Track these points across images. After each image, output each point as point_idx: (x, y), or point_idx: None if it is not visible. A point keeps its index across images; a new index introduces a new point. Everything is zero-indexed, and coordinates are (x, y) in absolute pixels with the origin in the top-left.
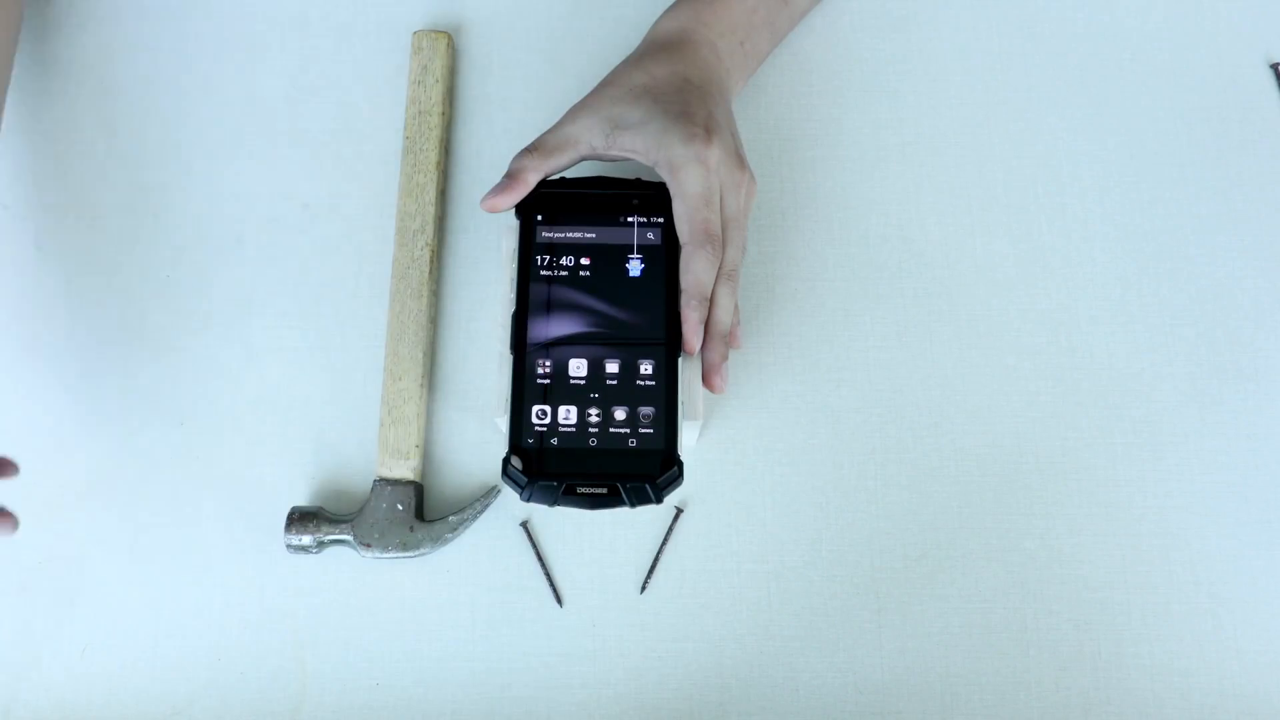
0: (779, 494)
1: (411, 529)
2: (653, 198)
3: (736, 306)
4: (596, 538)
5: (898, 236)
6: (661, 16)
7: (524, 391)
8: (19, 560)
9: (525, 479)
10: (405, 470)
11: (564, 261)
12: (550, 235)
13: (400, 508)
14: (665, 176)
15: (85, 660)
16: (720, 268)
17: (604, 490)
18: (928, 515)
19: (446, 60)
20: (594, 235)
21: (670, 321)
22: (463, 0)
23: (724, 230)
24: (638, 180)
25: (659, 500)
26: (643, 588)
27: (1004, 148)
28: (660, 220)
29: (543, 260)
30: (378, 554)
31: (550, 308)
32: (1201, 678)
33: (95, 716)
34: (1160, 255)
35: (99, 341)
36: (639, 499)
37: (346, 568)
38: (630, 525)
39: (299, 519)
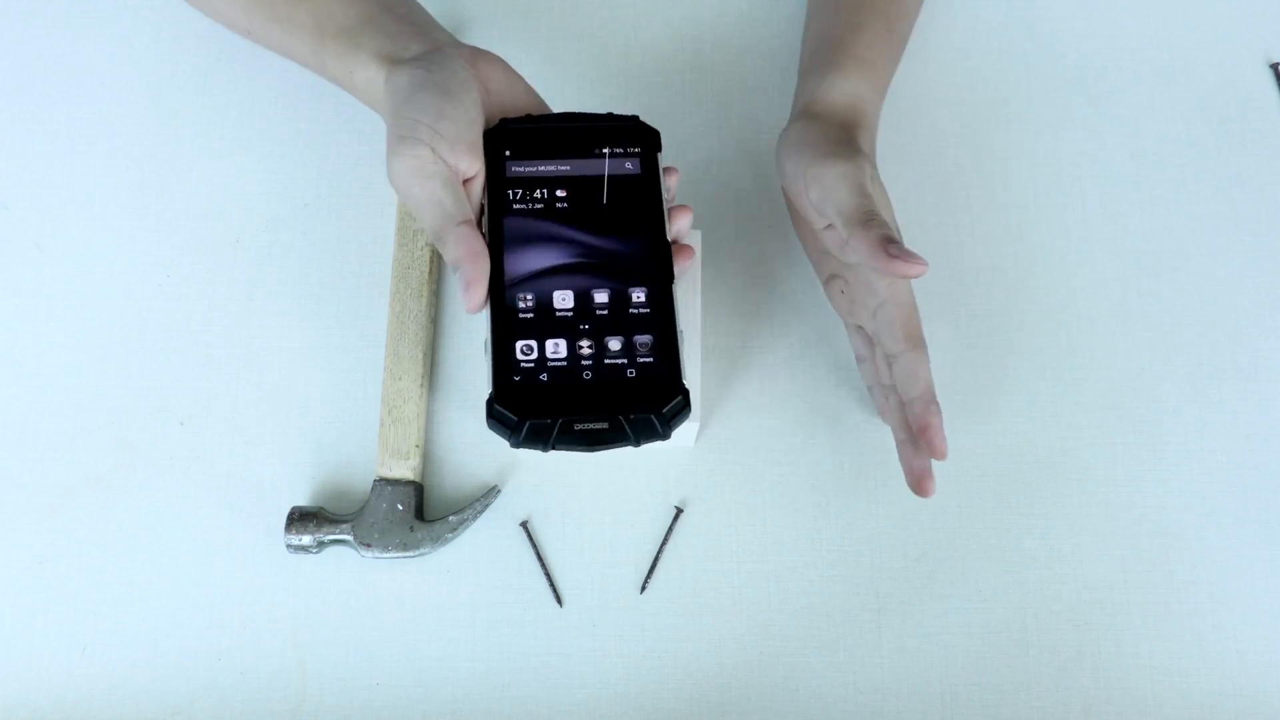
0: (779, 494)
1: (411, 529)
2: (629, 129)
3: (930, 386)
4: (596, 538)
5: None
6: (827, 74)
7: (506, 328)
8: (19, 560)
9: (515, 418)
10: (405, 470)
11: (538, 195)
12: (521, 170)
13: (400, 508)
14: (809, 180)
15: (85, 660)
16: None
17: (605, 425)
18: (928, 515)
19: None
20: (568, 168)
21: (660, 248)
22: (463, 0)
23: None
24: (609, 114)
25: (666, 434)
26: (643, 588)
27: (1004, 148)
28: (636, 150)
29: (515, 194)
30: (378, 554)
31: (528, 241)
32: (1201, 678)
33: (95, 716)
34: (1160, 255)
35: (99, 341)
36: (645, 434)
37: (346, 568)
38: (630, 525)
39: (299, 519)
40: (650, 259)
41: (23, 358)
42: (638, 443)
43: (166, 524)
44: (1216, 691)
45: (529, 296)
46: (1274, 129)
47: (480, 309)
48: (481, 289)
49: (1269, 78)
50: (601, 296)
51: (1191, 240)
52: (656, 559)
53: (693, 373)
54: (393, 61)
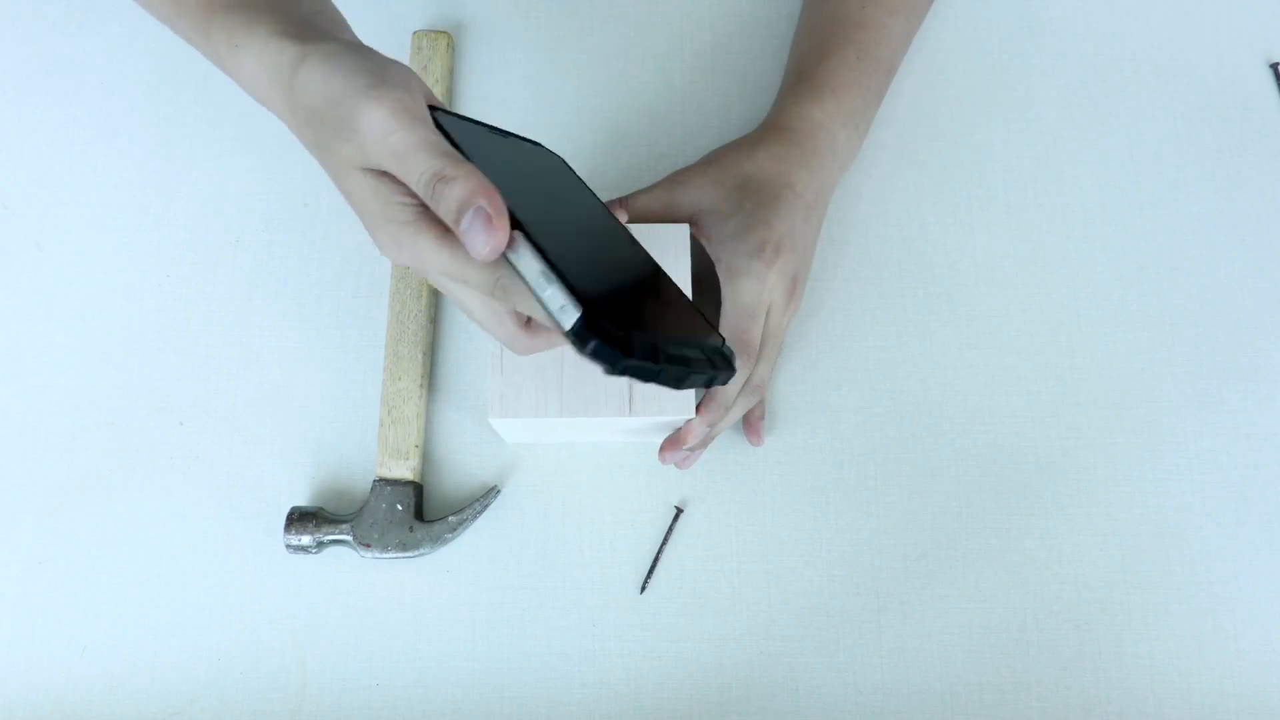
0: (779, 494)
1: (411, 529)
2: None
3: (763, 401)
4: (596, 538)
5: (898, 236)
6: (786, 98)
7: (555, 248)
8: (19, 560)
9: (621, 330)
10: (405, 470)
11: (485, 146)
12: (460, 132)
13: (400, 508)
14: (721, 276)
15: (85, 660)
16: (748, 380)
17: (698, 352)
18: (928, 515)
19: (446, 60)
20: (500, 153)
21: (607, 213)
22: (463, 0)
23: (761, 344)
24: (515, 135)
25: (730, 373)
26: (643, 588)
27: (1004, 148)
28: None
29: (471, 150)
30: (377, 554)
31: (509, 187)
32: (1201, 678)
33: (95, 716)
34: (1160, 255)
35: (99, 341)
36: (723, 365)
37: (346, 568)
38: (630, 525)
39: (299, 519)
40: (605, 212)
41: (23, 358)
42: (715, 381)
43: (166, 524)
44: (1216, 691)
45: (548, 226)
46: (1274, 129)
47: (502, 247)
48: (505, 220)
49: (1269, 78)
50: (598, 227)
51: (1191, 240)
52: (656, 559)
53: None
54: (307, 40)
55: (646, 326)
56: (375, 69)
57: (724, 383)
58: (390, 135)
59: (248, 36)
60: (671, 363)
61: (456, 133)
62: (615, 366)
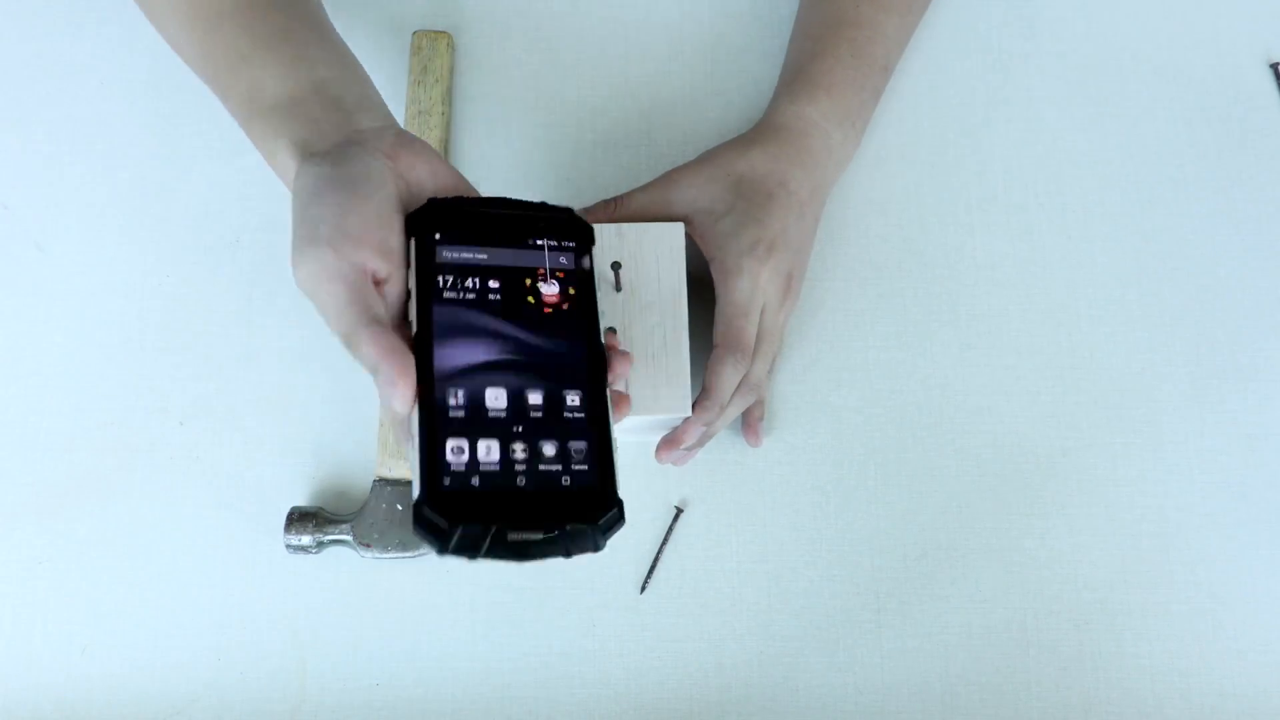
0: (779, 494)
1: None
2: (564, 222)
3: (762, 401)
4: None
5: (898, 236)
6: (781, 98)
7: (437, 426)
8: (19, 560)
9: (446, 525)
10: (405, 470)
11: (469, 284)
12: (452, 256)
13: (400, 508)
14: (715, 274)
15: (85, 660)
16: (744, 378)
17: (540, 535)
18: (928, 515)
19: (446, 60)
20: (502, 257)
21: (594, 350)
22: (462, 0)
23: (757, 343)
24: (544, 204)
25: (600, 547)
26: (643, 588)
27: (1004, 148)
28: (571, 244)
29: (446, 281)
30: (377, 554)
31: (458, 333)
32: (1201, 678)
33: (95, 716)
34: (1160, 255)
35: (99, 341)
36: (580, 546)
37: (346, 568)
38: (630, 525)
39: (299, 519)
40: (585, 361)
41: (23, 358)
42: (570, 554)
43: (166, 524)
44: (1216, 691)
45: (460, 393)
46: (1274, 129)
47: (411, 406)
48: (410, 385)
49: (1269, 78)
50: (535, 398)
51: (1191, 240)
52: (656, 559)
53: (683, 372)
54: (305, 154)
55: (487, 517)
56: (314, 217)
57: (569, 555)
58: (310, 296)
59: (276, 148)
60: (497, 554)
61: (448, 232)
62: (437, 551)
